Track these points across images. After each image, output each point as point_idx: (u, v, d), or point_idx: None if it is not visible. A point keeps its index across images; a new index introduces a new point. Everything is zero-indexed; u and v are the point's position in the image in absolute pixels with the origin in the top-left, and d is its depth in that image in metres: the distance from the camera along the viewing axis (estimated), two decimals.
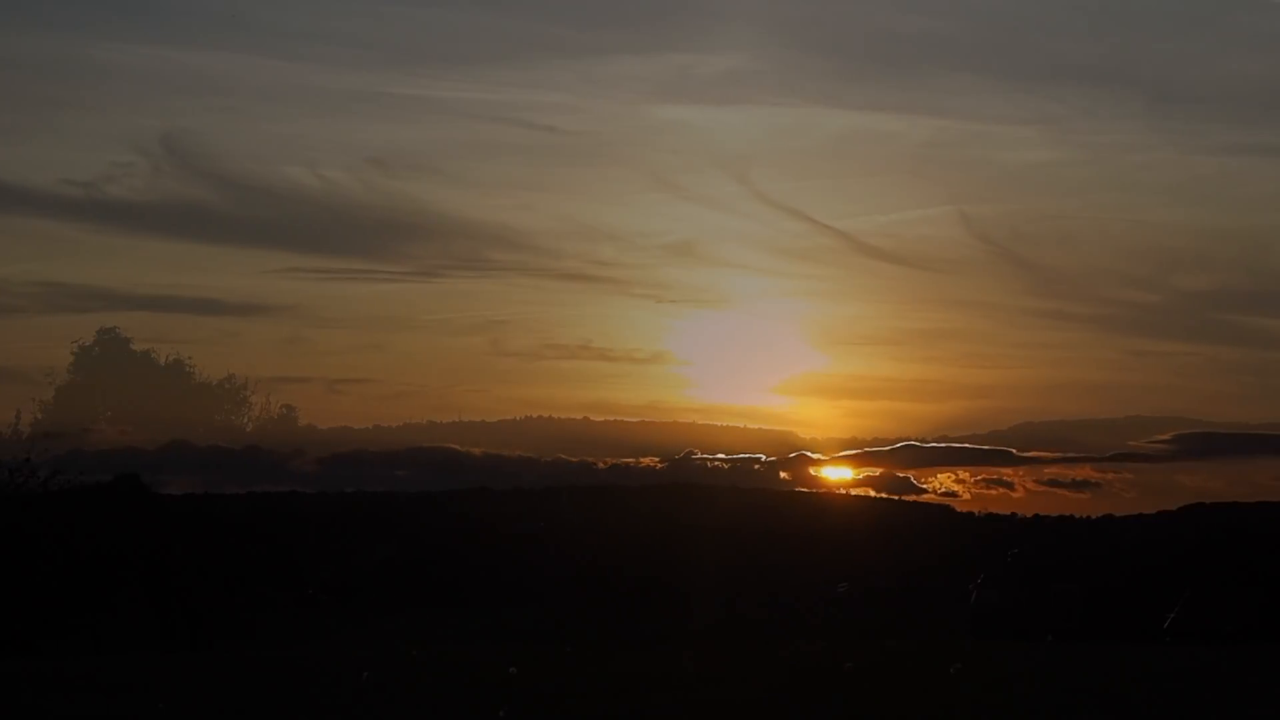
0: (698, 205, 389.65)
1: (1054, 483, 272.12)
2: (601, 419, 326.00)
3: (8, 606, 54.18)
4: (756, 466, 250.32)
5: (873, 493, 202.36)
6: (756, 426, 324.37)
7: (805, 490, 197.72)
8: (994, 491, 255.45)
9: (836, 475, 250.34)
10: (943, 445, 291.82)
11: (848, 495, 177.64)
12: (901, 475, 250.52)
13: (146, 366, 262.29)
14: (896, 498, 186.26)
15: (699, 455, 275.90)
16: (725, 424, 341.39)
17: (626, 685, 31.17)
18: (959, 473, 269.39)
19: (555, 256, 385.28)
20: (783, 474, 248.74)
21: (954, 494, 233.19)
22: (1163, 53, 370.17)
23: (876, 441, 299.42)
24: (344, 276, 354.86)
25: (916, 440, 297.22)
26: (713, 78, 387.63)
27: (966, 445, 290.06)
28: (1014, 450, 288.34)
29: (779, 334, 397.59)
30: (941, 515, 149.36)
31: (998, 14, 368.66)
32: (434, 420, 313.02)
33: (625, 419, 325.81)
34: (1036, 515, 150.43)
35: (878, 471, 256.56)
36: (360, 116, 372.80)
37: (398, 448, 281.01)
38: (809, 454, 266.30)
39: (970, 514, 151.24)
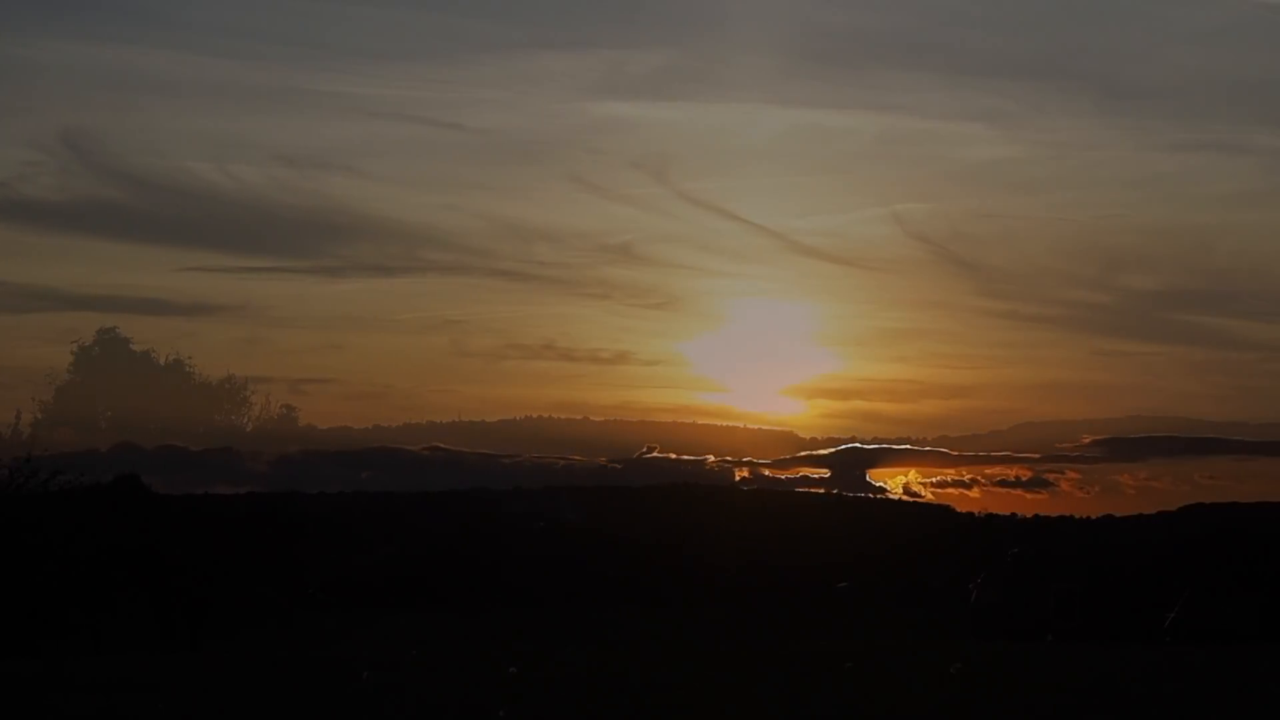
0: (633, 205, 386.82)
1: (1003, 482, 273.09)
2: (601, 419, 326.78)
3: (8, 606, 54.16)
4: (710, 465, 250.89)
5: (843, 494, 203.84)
6: (753, 426, 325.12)
7: (806, 490, 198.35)
8: (953, 491, 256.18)
9: (813, 475, 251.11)
10: (897, 447, 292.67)
11: (847, 495, 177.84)
12: (858, 474, 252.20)
13: (146, 366, 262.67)
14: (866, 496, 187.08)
15: (697, 455, 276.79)
16: (726, 424, 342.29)
17: (626, 685, 31.16)
18: (910, 472, 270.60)
19: (492, 257, 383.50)
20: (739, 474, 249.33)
21: (917, 494, 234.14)
22: (1111, 48, 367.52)
23: (834, 441, 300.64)
24: (284, 275, 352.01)
25: (865, 441, 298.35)
26: (646, 74, 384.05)
27: (908, 447, 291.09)
28: (950, 451, 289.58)
29: (740, 334, 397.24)
30: (941, 515, 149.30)
31: (943, 9, 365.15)
32: (434, 420, 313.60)
33: (626, 419, 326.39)
34: (1036, 515, 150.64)
35: (826, 473, 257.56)
36: (269, 113, 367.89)
37: (398, 447, 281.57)
38: (756, 460, 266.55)
39: (970, 514, 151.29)
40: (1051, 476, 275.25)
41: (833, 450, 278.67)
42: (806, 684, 31.40)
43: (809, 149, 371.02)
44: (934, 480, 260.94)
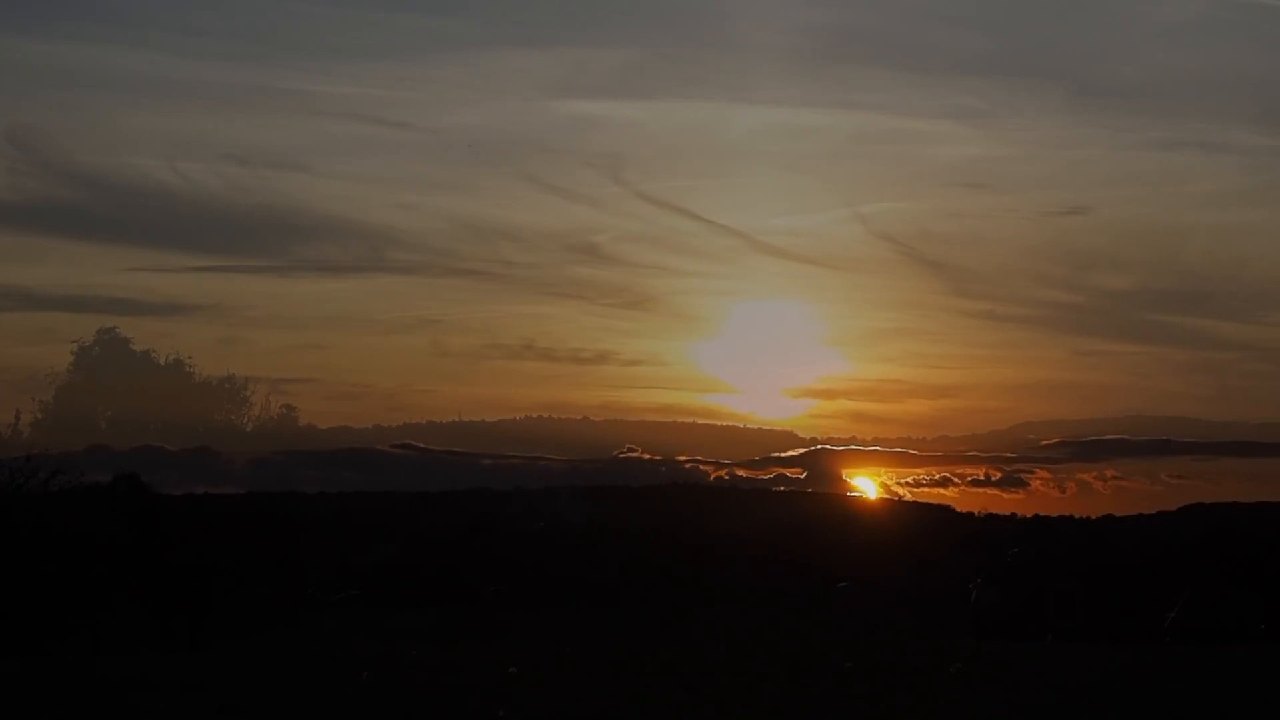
0: (597, 206, 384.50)
1: (976, 481, 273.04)
2: (600, 419, 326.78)
3: (8, 606, 54.15)
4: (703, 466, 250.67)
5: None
6: (757, 426, 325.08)
7: (806, 490, 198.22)
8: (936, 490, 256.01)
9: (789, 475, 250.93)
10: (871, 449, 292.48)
11: (848, 495, 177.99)
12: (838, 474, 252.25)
13: (146, 366, 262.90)
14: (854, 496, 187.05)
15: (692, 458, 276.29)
16: (724, 424, 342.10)
17: (626, 685, 31.15)
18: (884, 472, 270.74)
19: (458, 257, 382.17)
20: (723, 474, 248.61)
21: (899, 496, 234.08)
22: (1083, 45, 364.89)
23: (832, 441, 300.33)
24: (254, 274, 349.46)
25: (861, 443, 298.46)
26: (609, 72, 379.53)
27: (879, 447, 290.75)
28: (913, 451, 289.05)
29: (719, 336, 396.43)
30: (941, 515, 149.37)
31: (913, 7, 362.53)
32: (435, 420, 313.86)
33: (626, 418, 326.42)
34: (1036, 515, 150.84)
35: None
36: (219, 111, 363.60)
37: (399, 446, 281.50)
38: (720, 466, 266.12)
39: (970, 514, 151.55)
40: (1025, 476, 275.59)
41: (804, 450, 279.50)
42: (806, 684, 31.38)
43: (777, 148, 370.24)
44: (909, 480, 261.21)
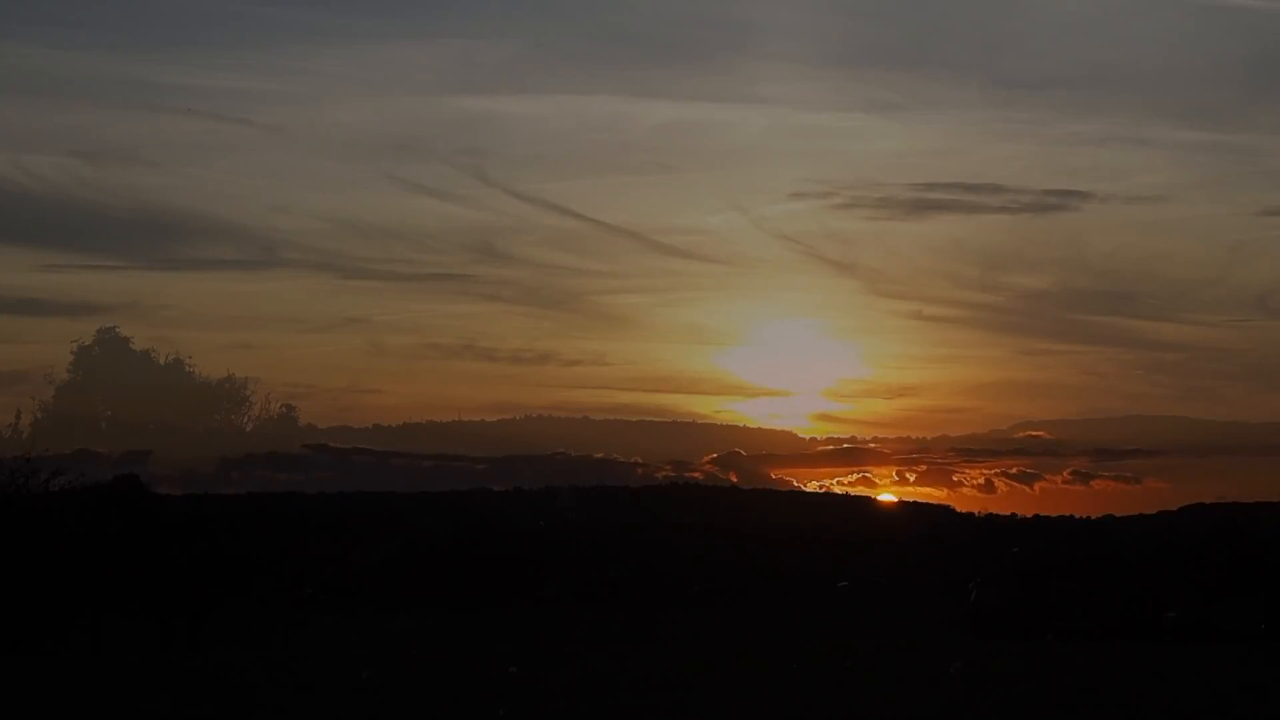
0: (477, 205, 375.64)
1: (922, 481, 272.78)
2: (600, 419, 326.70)
3: (8, 606, 54.14)
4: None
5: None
6: (684, 421, 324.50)
7: (806, 491, 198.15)
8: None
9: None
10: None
11: (849, 496, 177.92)
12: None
13: (146, 365, 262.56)
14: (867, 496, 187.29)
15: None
16: (724, 423, 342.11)
17: (626, 684, 31.15)
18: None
19: (354, 257, 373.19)
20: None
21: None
22: (997, 37, 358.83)
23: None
24: (153, 271, 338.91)
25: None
26: (496, 65, 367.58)
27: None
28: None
29: (662, 334, 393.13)
30: (942, 515, 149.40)
31: None
32: (434, 420, 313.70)
33: (626, 418, 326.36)
34: (1036, 515, 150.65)
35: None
36: (72, 106, 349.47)
37: (399, 446, 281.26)
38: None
39: (970, 514, 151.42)
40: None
41: (724, 452, 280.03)
42: (806, 684, 31.40)
43: (680, 144, 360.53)
44: (852, 478, 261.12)
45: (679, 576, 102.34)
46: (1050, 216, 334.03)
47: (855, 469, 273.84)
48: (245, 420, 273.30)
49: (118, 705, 28.62)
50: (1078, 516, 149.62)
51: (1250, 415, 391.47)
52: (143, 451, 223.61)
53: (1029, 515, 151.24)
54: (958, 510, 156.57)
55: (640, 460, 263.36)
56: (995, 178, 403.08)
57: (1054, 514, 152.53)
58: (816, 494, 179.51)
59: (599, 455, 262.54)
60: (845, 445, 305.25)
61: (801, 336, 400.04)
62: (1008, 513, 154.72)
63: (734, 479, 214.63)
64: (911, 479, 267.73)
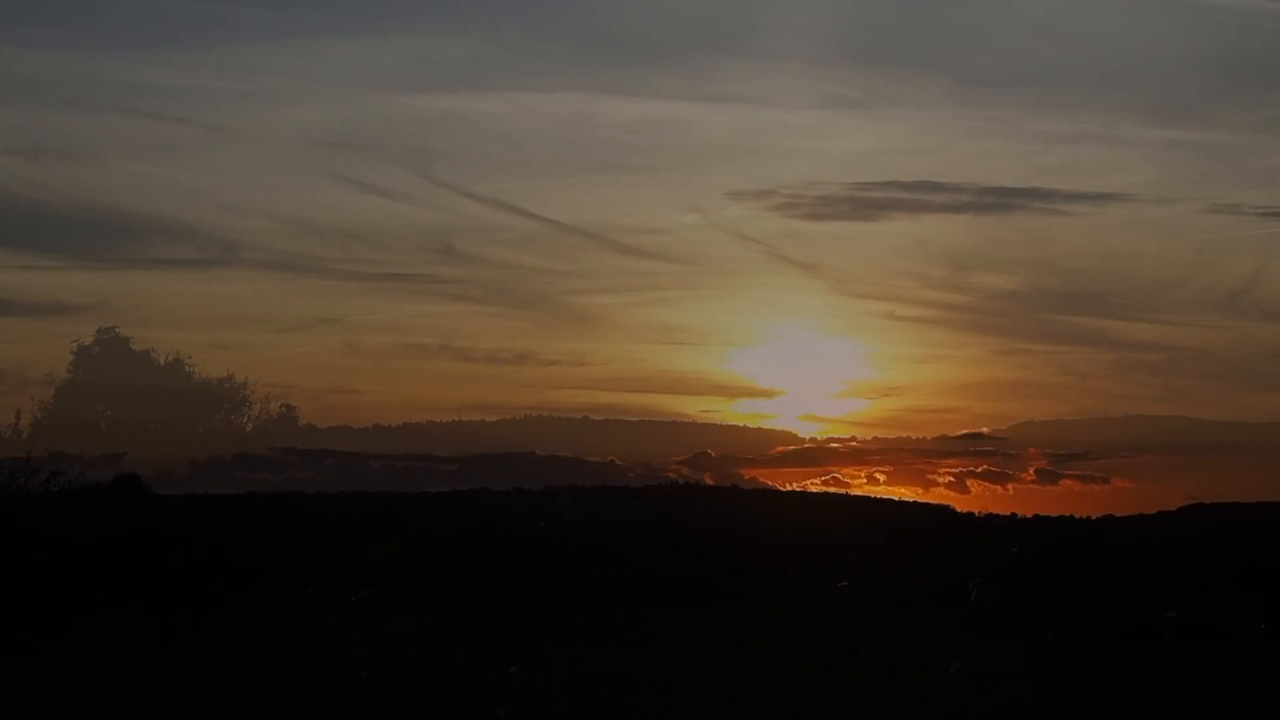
0: (436, 204, 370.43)
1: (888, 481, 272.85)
2: (600, 418, 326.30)
3: (8, 606, 54.11)
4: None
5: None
6: (665, 421, 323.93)
7: (808, 490, 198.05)
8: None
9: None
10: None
11: (848, 496, 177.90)
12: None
13: (146, 366, 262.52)
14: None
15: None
16: (728, 422, 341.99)
17: (626, 684, 31.15)
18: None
19: (314, 258, 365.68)
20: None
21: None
22: (966, 34, 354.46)
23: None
24: (110, 269, 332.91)
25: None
26: (451, 63, 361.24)
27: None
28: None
29: (636, 333, 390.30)
30: (942, 515, 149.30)
31: None
32: (434, 420, 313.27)
33: (626, 418, 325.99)
34: (1037, 515, 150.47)
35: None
36: (10, 102, 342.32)
37: (399, 447, 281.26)
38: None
39: (970, 514, 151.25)
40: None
41: (696, 453, 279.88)
42: (806, 684, 31.40)
43: (643, 143, 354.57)
44: (825, 478, 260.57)
45: (679, 576, 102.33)
46: (1018, 215, 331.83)
47: (828, 469, 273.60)
48: (245, 420, 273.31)
49: (118, 705, 28.62)
50: (1077, 516, 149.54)
51: (1235, 415, 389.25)
52: (142, 451, 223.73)
53: (1029, 515, 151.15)
54: (958, 510, 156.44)
55: (617, 460, 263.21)
56: (962, 176, 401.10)
57: (1054, 514, 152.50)
58: (817, 494, 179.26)
59: (568, 455, 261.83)
60: (825, 446, 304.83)
61: (773, 337, 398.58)
62: (1008, 513, 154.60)
63: (708, 480, 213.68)
64: (881, 479, 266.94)
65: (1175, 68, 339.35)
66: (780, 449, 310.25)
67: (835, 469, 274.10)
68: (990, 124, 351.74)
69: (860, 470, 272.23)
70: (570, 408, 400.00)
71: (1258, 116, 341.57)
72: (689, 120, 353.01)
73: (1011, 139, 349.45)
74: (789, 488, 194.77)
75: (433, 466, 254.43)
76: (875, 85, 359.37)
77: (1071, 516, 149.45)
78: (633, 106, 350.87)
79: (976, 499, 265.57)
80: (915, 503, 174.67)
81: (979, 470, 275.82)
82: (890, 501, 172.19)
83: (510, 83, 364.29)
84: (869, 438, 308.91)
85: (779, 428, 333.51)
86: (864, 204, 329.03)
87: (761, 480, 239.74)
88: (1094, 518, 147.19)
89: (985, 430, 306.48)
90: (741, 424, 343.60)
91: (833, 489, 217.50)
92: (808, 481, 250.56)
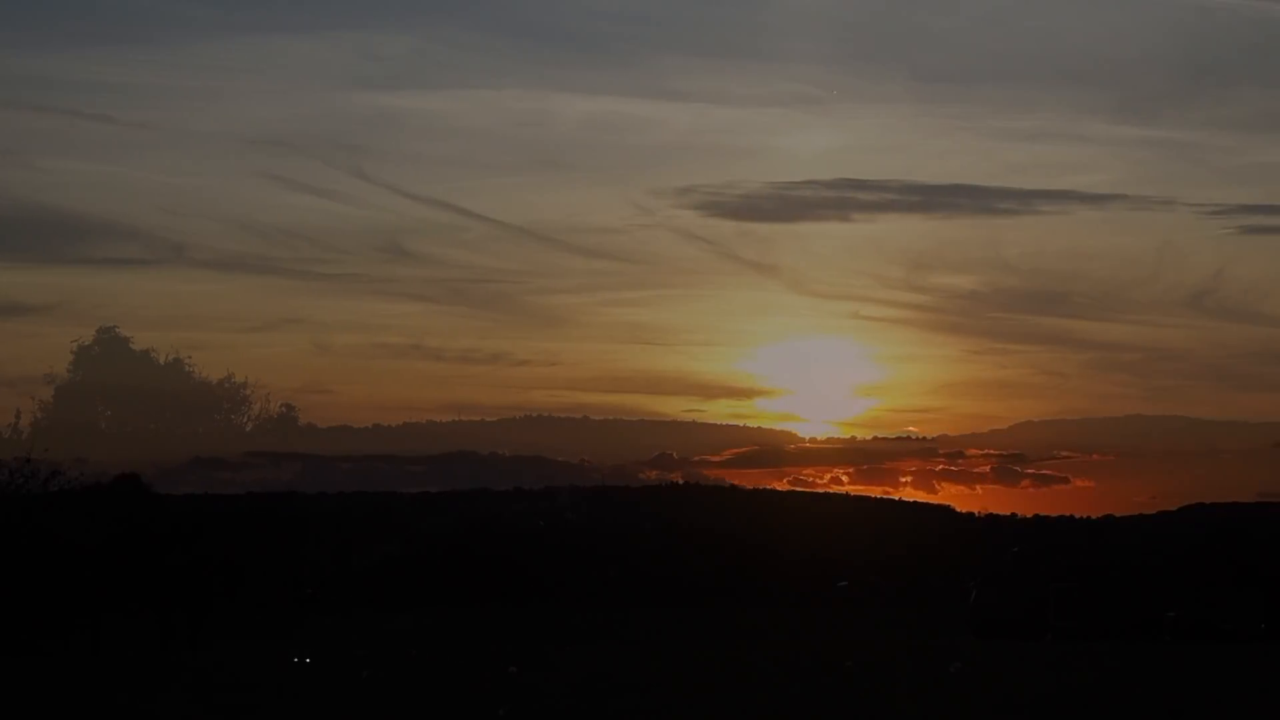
0: (378, 204, 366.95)
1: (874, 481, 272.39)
2: (600, 418, 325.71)
3: (8, 606, 54.11)
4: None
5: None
6: (636, 420, 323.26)
7: (806, 491, 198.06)
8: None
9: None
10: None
11: (849, 496, 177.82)
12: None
13: (146, 366, 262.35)
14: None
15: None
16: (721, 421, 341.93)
17: (625, 684, 31.15)
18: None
19: (269, 258, 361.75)
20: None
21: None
22: (925, 30, 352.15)
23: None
24: (63, 267, 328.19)
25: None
26: (394, 59, 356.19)
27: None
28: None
29: (609, 333, 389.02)
30: (942, 515, 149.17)
31: None
32: (434, 420, 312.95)
33: (626, 418, 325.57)
34: (1037, 515, 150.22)
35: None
36: None
37: (404, 446, 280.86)
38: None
39: (970, 514, 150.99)
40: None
41: (659, 453, 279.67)
42: (806, 683, 31.39)
43: (595, 140, 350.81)
44: (796, 478, 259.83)
45: (678, 577, 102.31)
46: (978, 214, 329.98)
47: (793, 471, 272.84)
48: (245, 420, 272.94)
49: (117, 704, 28.62)
50: (1077, 517, 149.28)
51: (1225, 415, 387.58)
52: (141, 451, 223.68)
53: (1029, 515, 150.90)
54: (958, 510, 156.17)
55: (589, 459, 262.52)
56: (922, 175, 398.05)
57: (1054, 514, 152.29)
58: (816, 494, 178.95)
59: (530, 454, 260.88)
60: (801, 446, 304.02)
61: (738, 338, 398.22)
62: (1008, 513, 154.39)
63: (678, 479, 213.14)
64: (845, 480, 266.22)
65: (1137, 65, 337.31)
66: (735, 450, 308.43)
67: (798, 470, 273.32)
68: (951, 121, 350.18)
69: (825, 471, 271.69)
70: (546, 407, 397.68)
71: (1220, 114, 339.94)
72: (641, 117, 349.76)
73: (974, 136, 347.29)
74: (752, 487, 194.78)
75: (401, 468, 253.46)
76: (833, 82, 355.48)
77: (1071, 516, 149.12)
78: (585, 104, 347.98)
79: (977, 499, 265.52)
80: (915, 503, 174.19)
81: (951, 470, 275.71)
82: (890, 501, 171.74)
83: (455, 79, 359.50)
84: (846, 437, 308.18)
85: (747, 425, 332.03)
86: (821, 203, 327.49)
87: (735, 481, 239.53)
88: (1094, 518, 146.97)
89: (979, 430, 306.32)
90: (711, 423, 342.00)
91: (799, 489, 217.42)
92: (786, 479, 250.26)
